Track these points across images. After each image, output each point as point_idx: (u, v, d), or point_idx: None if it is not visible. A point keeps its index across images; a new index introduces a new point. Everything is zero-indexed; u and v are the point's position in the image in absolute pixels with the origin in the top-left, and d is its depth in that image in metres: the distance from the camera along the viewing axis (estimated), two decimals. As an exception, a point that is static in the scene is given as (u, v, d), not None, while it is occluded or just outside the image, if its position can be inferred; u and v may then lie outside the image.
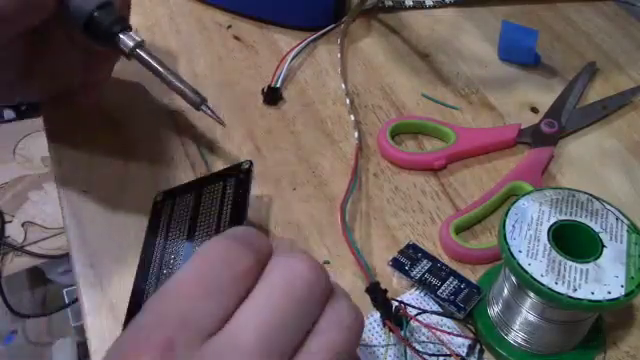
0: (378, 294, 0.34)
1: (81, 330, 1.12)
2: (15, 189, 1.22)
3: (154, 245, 0.37)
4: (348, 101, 0.48)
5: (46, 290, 1.28)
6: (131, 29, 0.38)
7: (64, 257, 1.14)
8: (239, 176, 0.37)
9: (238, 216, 0.35)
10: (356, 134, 0.45)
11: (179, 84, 0.38)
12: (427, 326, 0.33)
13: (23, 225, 1.17)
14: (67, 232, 0.39)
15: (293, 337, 0.23)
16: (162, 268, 0.35)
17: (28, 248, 1.14)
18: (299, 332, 0.23)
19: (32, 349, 1.25)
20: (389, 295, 0.34)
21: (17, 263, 1.15)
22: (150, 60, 0.38)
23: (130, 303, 0.35)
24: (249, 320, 0.22)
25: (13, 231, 1.16)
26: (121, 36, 0.37)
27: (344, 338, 0.24)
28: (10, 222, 1.17)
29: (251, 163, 0.37)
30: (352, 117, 0.47)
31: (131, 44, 0.37)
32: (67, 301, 1.20)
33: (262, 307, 0.23)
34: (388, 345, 0.32)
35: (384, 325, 0.33)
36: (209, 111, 0.39)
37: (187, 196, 0.38)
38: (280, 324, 0.22)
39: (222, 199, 0.37)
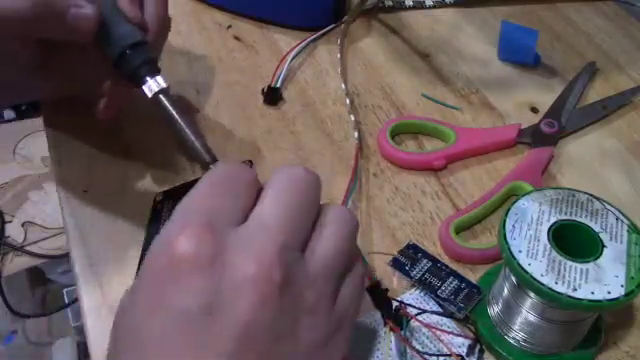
0: (379, 294, 0.34)
1: (81, 330, 1.12)
2: (15, 189, 1.22)
3: None
4: (348, 101, 0.48)
5: (46, 290, 1.28)
6: (159, 72, 0.37)
7: (64, 257, 1.14)
8: None
9: None
10: (356, 134, 0.45)
11: (193, 139, 0.35)
12: (427, 326, 0.33)
13: (23, 225, 1.17)
14: (67, 232, 0.39)
15: (306, 221, 0.28)
16: None
17: (28, 248, 1.14)
18: (309, 219, 0.28)
19: (32, 349, 1.25)
20: (389, 295, 0.34)
21: (17, 263, 1.14)
22: (171, 109, 0.36)
23: None
24: (269, 209, 0.27)
25: (13, 231, 1.16)
26: (147, 79, 0.37)
27: (347, 229, 0.29)
28: (10, 222, 1.16)
29: (251, 163, 0.37)
30: (352, 117, 0.47)
31: (155, 89, 0.37)
32: (67, 301, 1.20)
33: (276, 199, 0.27)
34: (389, 345, 0.32)
35: (385, 324, 0.33)
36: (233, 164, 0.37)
37: None
38: (294, 210, 0.27)
39: None
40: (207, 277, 0.24)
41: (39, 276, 1.24)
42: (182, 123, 0.36)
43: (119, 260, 0.38)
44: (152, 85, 0.37)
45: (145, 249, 0.37)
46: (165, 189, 0.40)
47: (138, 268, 0.37)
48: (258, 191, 0.28)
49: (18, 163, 1.26)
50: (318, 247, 0.27)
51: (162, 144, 0.45)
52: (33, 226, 1.17)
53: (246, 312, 0.24)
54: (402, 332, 0.32)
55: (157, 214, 0.39)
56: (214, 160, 0.35)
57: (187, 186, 0.39)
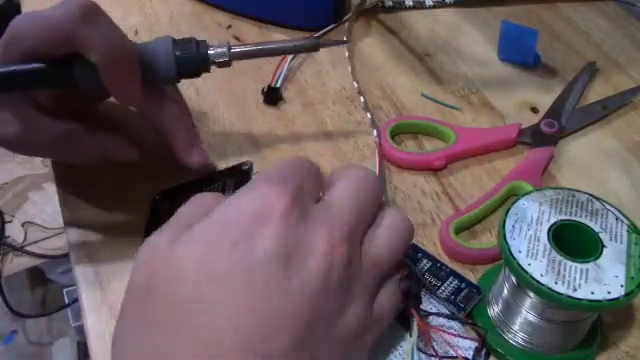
0: (410, 285, 0.33)
1: (81, 330, 1.12)
2: (15, 189, 1.22)
3: None
4: (362, 99, 0.48)
5: (46, 290, 1.28)
6: (205, 42, 0.37)
7: (64, 257, 1.14)
8: (238, 177, 0.37)
9: None
10: (375, 132, 0.45)
11: (289, 45, 0.39)
12: (436, 328, 0.33)
13: (23, 225, 1.17)
14: (67, 232, 0.39)
15: (368, 217, 0.30)
16: None
17: (28, 248, 1.14)
18: (371, 215, 0.30)
19: (32, 349, 1.25)
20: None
21: (17, 263, 1.15)
22: (249, 50, 0.38)
23: None
24: (340, 196, 0.29)
25: (13, 231, 1.16)
26: (210, 52, 0.37)
27: (402, 235, 0.31)
28: (10, 222, 1.17)
29: (251, 164, 0.37)
30: (368, 115, 0.47)
31: (226, 50, 0.37)
32: (67, 301, 1.20)
33: (346, 190, 0.30)
34: (414, 343, 0.32)
35: (411, 315, 0.33)
36: (329, 41, 0.41)
37: (186, 196, 0.38)
38: (360, 203, 0.29)
39: None
40: (290, 229, 0.26)
41: (39, 276, 1.24)
42: (269, 47, 0.38)
43: (119, 260, 0.38)
44: (218, 51, 0.37)
45: None
46: (163, 189, 0.40)
47: None
48: (324, 182, 0.31)
49: (18, 163, 1.26)
50: (373, 244, 0.29)
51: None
52: (33, 226, 1.17)
53: (313, 273, 0.26)
54: (409, 333, 0.32)
55: (156, 214, 0.39)
56: (319, 41, 0.38)
57: (185, 186, 0.39)
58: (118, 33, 0.35)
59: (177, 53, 0.36)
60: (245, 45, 0.38)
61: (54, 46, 0.34)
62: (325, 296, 0.26)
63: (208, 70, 0.38)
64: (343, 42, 0.40)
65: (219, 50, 0.37)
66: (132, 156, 0.40)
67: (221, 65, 0.37)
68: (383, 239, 0.30)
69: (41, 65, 0.34)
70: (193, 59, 0.36)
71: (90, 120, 0.38)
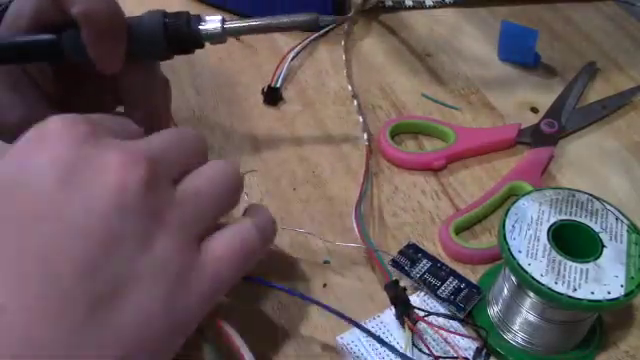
0: (397, 292, 0.34)
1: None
2: (15, 189, 1.22)
3: None
4: (355, 103, 0.48)
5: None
6: (198, 17, 0.36)
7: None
8: None
9: None
10: (365, 136, 0.45)
11: (285, 20, 0.37)
12: (437, 328, 0.33)
13: (23, 225, 1.17)
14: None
15: (183, 156, 0.28)
16: None
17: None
18: (187, 160, 0.28)
19: (32, 349, 1.25)
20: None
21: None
22: (244, 25, 0.36)
23: None
24: (156, 137, 0.28)
25: (13, 231, 1.16)
26: (201, 26, 0.35)
27: (222, 173, 0.29)
28: (10, 222, 1.16)
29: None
30: (360, 118, 0.47)
31: (218, 24, 0.35)
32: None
33: (164, 135, 0.29)
34: (409, 344, 0.32)
35: (402, 324, 0.33)
36: (327, 19, 0.38)
37: None
38: (177, 146, 0.29)
39: None
40: (71, 153, 0.24)
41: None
42: (266, 23, 0.36)
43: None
44: (211, 26, 0.35)
45: None
46: None
47: None
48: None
49: (18, 163, 1.26)
50: (191, 180, 0.28)
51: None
52: (33, 226, 1.17)
53: (101, 191, 0.24)
54: (406, 334, 0.33)
55: None
56: (318, 17, 0.36)
57: None
58: None
59: (166, 23, 0.35)
60: (240, 20, 0.36)
61: (46, 8, 0.33)
62: (120, 216, 0.24)
63: (201, 46, 0.36)
64: (346, 18, 0.38)
65: (212, 25, 0.35)
66: None
67: (214, 41, 0.36)
68: (203, 176, 0.28)
69: (32, 34, 0.34)
70: (184, 33, 0.35)
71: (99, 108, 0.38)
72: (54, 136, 0.25)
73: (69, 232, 0.23)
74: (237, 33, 0.36)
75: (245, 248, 0.28)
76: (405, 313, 0.33)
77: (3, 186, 0.24)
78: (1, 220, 0.23)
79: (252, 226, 0.29)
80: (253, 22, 0.36)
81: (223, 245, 0.27)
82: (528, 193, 0.34)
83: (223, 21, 0.35)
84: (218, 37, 0.35)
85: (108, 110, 0.39)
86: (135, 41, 0.34)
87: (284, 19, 0.37)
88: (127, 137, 0.27)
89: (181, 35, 0.35)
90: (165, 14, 0.35)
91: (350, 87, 0.49)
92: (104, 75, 0.35)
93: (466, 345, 0.33)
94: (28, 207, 0.23)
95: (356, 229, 0.38)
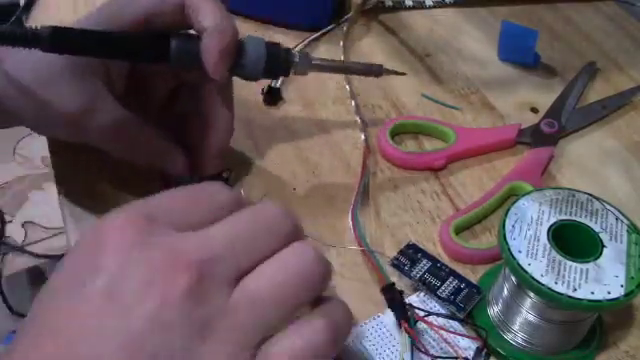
0: (394, 295, 0.34)
1: (81, 330, 1.12)
2: (15, 189, 1.22)
3: None
4: (354, 103, 0.48)
5: (46, 290, 1.28)
6: (289, 50, 0.39)
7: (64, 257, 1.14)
8: None
9: None
10: (362, 136, 0.45)
11: (359, 66, 0.43)
12: (437, 327, 0.33)
13: (23, 225, 1.17)
14: (67, 232, 0.39)
15: (251, 246, 0.25)
16: None
17: (28, 248, 1.14)
18: (260, 247, 0.25)
19: (32, 349, 1.25)
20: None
21: (17, 263, 1.15)
22: (325, 64, 0.41)
23: None
24: (217, 226, 0.25)
25: (13, 231, 1.16)
26: (295, 59, 0.39)
27: (299, 270, 0.25)
28: (10, 222, 1.17)
29: (230, 173, 0.37)
30: (358, 119, 0.47)
31: (306, 60, 0.39)
32: (67, 301, 1.20)
33: (234, 221, 0.26)
34: (405, 346, 0.32)
35: (400, 326, 0.33)
36: (390, 70, 0.43)
37: None
38: (245, 234, 0.25)
39: None
40: (119, 259, 0.23)
41: (39, 276, 1.24)
42: (344, 65, 0.45)
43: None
44: (301, 60, 0.39)
45: None
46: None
47: None
48: (230, 211, 0.27)
49: (18, 163, 1.26)
50: (253, 280, 0.24)
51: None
52: (33, 226, 1.17)
53: (143, 305, 0.23)
54: (403, 338, 0.33)
55: None
56: (380, 68, 0.43)
57: None
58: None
59: (269, 50, 0.37)
60: (322, 60, 0.41)
61: (165, 12, 0.35)
62: (157, 334, 0.22)
63: (287, 75, 0.39)
64: (401, 74, 0.44)
65: (302, 59, 0.39)
66: (178, 167, 0.39)
67: (297, 73, 0.39)
68: (268, 274, 0.25)
69: (141, 34, 0.35)
70: (280, 63, 0.38)
71: (151, 119, 0.39)
72: (107, 242, 0.24)
73: (109, 348, 0.22)
74: (319, 69, 0.40)
75: (310, 357, 0.24)
76: (403, 317, 0.33)
77: (55, 297, 0.24)
78: (50, 331, 0.23)
79: (323, 327, 0.25)
80: (333, 63, 0.42)
81: (284, 355, 0.24)
82: (528, 193, 0.34)
83: (310, 58, 0.40)
84: (303, 70, 0.39)
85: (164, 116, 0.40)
86: (241, 59, 0.37)
87: (357, 65, 0.44)
88: (198, 220, 0.25)
89: (277, 63, 0.38)
90: (265, 42, 0.38)
91: (348, 87, 0.49)
92: (183, 82, 0.38)
93: (466, 345, 0.33)
94: (74, 320, 0.23)
95: (352, 231, 0.38)
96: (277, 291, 0.24)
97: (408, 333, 0.32)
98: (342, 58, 0.52)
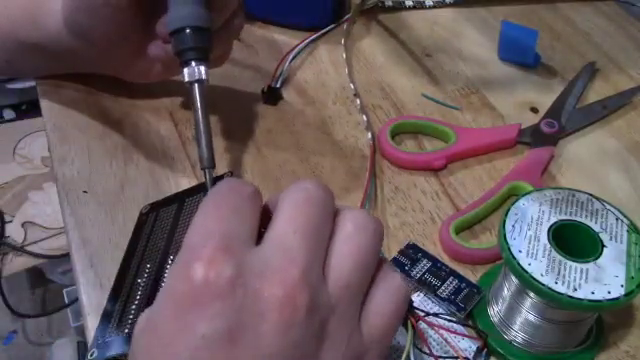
0: None
1: (81, 330, 1.12)
2: (15, 189, 1.22)
3: (130, 265, 0.36)
4: (358, 102, 0.48)
5: (46, 290, 1.28)
6: (205, 61, 0.37)
7: (64, 257, 1.14)
8: None
9: None
10: (369, 134, 0.45)
11: (203, 140, 0.36)
12: (438, 327, 0.33)
13: (23, 225, 1.17)
14: (67, 232, 0.39)
15: (322, 239, 0.26)
16: (133, 288, 0.34)
17: (28, 248, 1.14)
18: (325, 235, 0.26)
19: (32, 349, 1.25)
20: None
21: (17, 263, 1.14)
22: (198, 102, 0.36)
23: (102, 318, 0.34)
24: (285, 229, 0.26)
25: (13, 231, 1.16)
26: (192, 64, 0.36)
27: (366, 239, 0.27)
28: (10, 222, 1.16)
29: (230, 173, 0.37)
30: (364, 117, 0.47)
31: (195, 77, 0.36)
32: (67, 301, 1.20)
33: (291, 219, 0.26)
34: (410, 342, 0.32)
35: (404, 323, 0.33)
36: (207, 177, 0.36)
37: (170, 208, 0.38)
38: (311, 229, 0.26)
39: None
40: (228, 302, 0.23)
41: (39, 276, 1.24)
42: (202, 119, 0.36)
43: (119, 260, 0.37)
44: (193, 71, 0.36)
45: (124, 264, 0.36)
46: (151, 202, 0.40)
47: (117, 282, 0.35)
48: (262, 206, 0.28)
49: (18, 163, 1.26)
50: (337, 265, 0.26)
51: (163, 144, 0.45)
52: (33, 226, 1.17)
53: (269, 337, 0.23)
54: (409, 334, 0.32)
55: (140, 228, 0.38)
56: (211, 166, 0.35)
57: (172, 198, 0.39)
58: None
59: (187, 30, 0.36)
60: (202, 100, 0.37)
61: None
62: (293, 353, 0.24)
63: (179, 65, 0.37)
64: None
65: (194, 70, 0.37)
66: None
67: (182, 78, 0.37)
68: (345, 254, 0.26)
69: None
70: (183, 45, 0.36)
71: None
72: (207, 292, 0.24)
73: None
74: (190, 97, 0.37)
75: (401, 310, 0.28)
76: (410, 313, 0.33)
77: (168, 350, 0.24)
78: None
79: (401, 281, 0.28)
80: (200, 112, 0.37)
81: (384, 316, 0.27)
82: (528, 193, 0.34)
83: (198, 80, 0.37)
84: (184, 79, 0.37)
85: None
86: None
87: (203, 143, 0.36)
88: (252, 228, 0.26)
89: (179, 45, 0.36)
90: (199, 27, 0.36)
91: (352, 86, 0.49)
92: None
93: (466, 345, 0.33)
94: None
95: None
96: (360, 267, 0.26)
97: (414, 328, 0.32)
98: (344, 57, 0.52)
